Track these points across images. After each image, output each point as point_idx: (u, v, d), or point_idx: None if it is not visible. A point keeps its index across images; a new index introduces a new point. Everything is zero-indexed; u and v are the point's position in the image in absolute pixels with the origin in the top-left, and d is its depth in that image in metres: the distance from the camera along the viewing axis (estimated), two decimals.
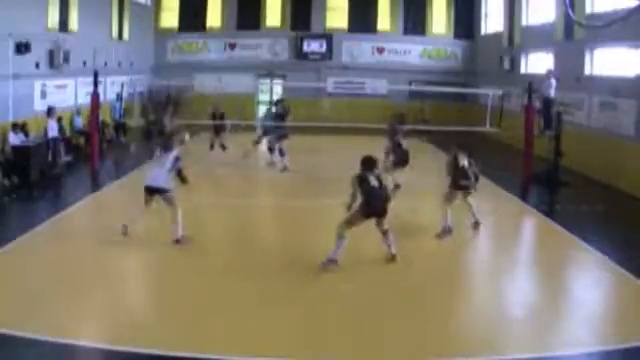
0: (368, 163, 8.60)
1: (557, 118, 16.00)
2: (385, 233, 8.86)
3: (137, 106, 20.97)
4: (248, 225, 11.69)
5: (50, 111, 15.61)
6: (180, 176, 10.53)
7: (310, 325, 7.04)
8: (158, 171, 9.77)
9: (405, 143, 13.74)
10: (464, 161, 10.27)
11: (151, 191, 9.77)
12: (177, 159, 9.94)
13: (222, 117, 17.25)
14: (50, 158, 15.14)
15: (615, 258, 9.54)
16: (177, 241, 9.64)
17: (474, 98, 25.01)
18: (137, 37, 24.73)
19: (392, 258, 8.97)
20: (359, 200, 8.61)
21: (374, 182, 8.52)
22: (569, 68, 17.96)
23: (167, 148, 9.94)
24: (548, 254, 10.22)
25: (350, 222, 8.62)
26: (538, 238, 11.74)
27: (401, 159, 13.43)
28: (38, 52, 16.36)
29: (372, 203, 8.49)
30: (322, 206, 12.67)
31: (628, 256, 9.69)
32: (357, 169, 8.76)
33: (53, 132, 15.50)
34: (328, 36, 27.57)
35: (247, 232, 11.13)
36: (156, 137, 15.08)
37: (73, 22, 18.57)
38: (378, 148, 20.41)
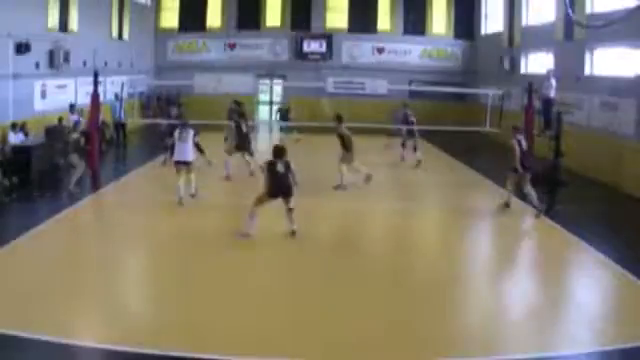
0: (277, 152, 10.04)
1: (557, 118, 15.99)
2: (289, 210, 10.12)
3: (137, 106, 21.02)
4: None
5: (72, 107, 17.25)
6: (199, 148, 12.52)
7: (309, 325, 7.04)
8: (185, 147, 12.08)
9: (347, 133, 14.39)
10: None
11: (181, 164, 12.14)
12: (196, 134, 12.30)
13: (243, 115, 16.33)
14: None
15: (615, 258, 9.55)
16: (192, 195, 12.37)
17: (474, 98, 25.02)
18: (137, 37, 24.73)
19: (292, 233, 10.15)
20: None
21: (280, 168, 9.91)
22: (569, 68, 17.96)
23: (185, 126, 12.32)
24: (548, 254, 10.23)
25: (259, 201, 10.09)
26: (538, 238, 11.73)
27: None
28: (38, 52, 16.36)
29: (276, 185, 9.97)
30: (321, 204, 12.71)
31: (628, 256, 9.69)
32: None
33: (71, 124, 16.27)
34: (328, 36, 27.56)
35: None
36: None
37: (73, 22, 18.57)
38: (378, 148, 20.56)
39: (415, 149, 17.76)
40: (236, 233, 10.13)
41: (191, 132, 12.21)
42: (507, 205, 12.71)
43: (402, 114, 18.45)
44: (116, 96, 19.36)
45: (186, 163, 12.19)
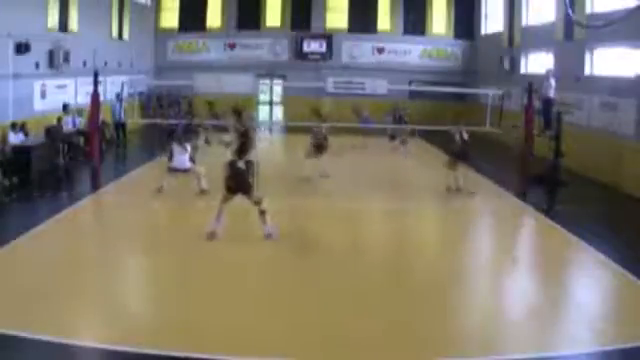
0: (239, 151, 10.01)
1: (557, 118, 16.01)
2: (262, 213, 9.98)
3: (137, 106, 21.01)
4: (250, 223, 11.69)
5: (65, 108, 17.35)
6: (192, 160, 13.35)
7: (309, 325, 7.04)
8: (182, 158, 13.00)
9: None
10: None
11: (179, 171, 13.15)
12: (194, 148, 13.49)
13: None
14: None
15: (615, 258, 9.55)
16: (202, 191, 12.92)
17: (474, 98, 25.02)
18: (137, 37, 24.74)
19: (268, 236, 10.00)
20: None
21: (240, 165, 9.92)
22: (569, 68, 17.97)
23: (185, 141, 13.27)
24: (548, 254, 10.22)
25: (224, 199, 10.08)
26: (538, 238, 11.74)
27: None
28: (38, 52, 16.37)
29: (234, 182, 9.95)
30: (317, 204, 12.71)
31: (628, 256, 9.69)
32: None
33: (67, 126, 16.89)
34: (328, 36, 27.58)
35: (249, 231, 11.12)
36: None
37: (73, 22, 18.57)
38: (377, 148, 20.57)
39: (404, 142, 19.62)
40: (206, 234, 9.96)
41: (189, 145, 13.20)
42: (458, 189, 13.91)
43: (397, 115, 20.14)
44: (117, 96, 19.39)
45: (185, 170, 13.17)
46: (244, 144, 9.98)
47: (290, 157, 17.98)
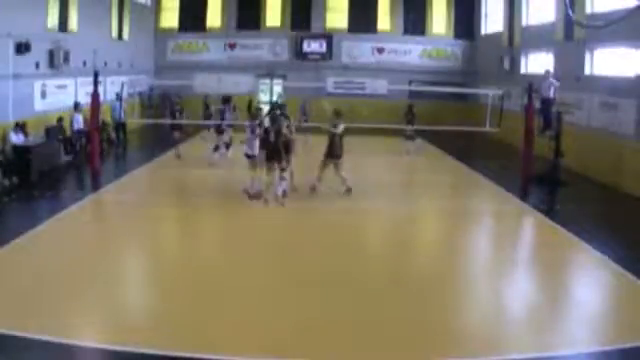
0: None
1: (557, 118, 16.01)
2: (281, 177, 12.38)
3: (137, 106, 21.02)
4: (253, 225, 11.71)
5: (77, 106, 17.54)
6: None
7: (309, 325, 7.04)
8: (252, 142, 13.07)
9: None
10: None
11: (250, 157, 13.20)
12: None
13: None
14: (78, 148, 17.13)
15: (615, 258, 9.55)
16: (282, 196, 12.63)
17: (474, 98, 25.02)
18: (137, 37, 24.73)
19: (282, 193, 12.33)
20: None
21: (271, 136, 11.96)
22: (569, 68, 17.97)
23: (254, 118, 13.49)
24: (548, 254, 10.22)
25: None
26: (538, 238, 11.74)
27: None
28: (38, 52, 16.36)
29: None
30: (318, 205, 12.72)
31: (628, 256, 9.69)
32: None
33: (79, 125, 17.27)
34: (328, 36, 27.57)
35: (250, 232, 11.14)
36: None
37: (73, 22, 18.56)
38: (378, 147, 20.58)
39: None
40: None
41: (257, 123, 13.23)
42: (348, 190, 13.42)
43: (410, 114, 19.65)
44: (117, 96, 19.40)
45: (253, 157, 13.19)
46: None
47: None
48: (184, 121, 18.02)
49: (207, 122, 18.10)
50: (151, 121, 21.90)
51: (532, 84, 15.72)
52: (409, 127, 19.29)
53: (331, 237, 10.77)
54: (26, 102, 16.06)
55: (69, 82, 18.61)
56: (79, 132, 17.30)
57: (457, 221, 12.19)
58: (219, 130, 17.07)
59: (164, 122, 19.03)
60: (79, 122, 17.40)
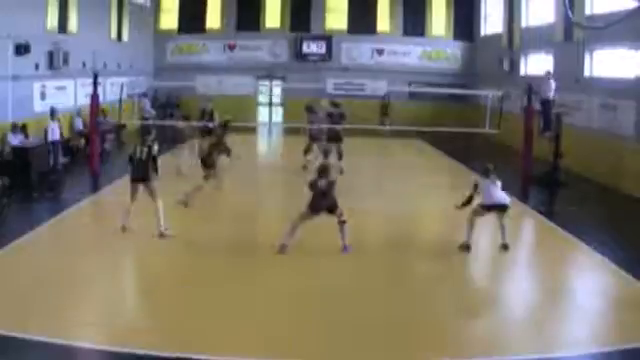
0: (320, 171, 9.77)
1: (556, 119, 16.01)
2: (341, 224, 9.76)
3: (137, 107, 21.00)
4: (254, 226, 11.70)
5: (53, 113, 15.68)
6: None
7: (307, 325, 7.04)
8: None
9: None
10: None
11: None
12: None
13: (212, 116, 15.58)
14: (51, 162, 15.18)
15: (615, 259, 9.55)
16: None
17: (474, 99, 25.02)
18: (136, 38, 24.73)
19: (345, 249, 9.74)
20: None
21: (322, 184, 9.60)
22: (569, 69, 17.97)
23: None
24: (548, 255, 10.22)
25: (302, 217, 9.73)
26: (538, 239, 11.74)
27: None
28: (37, 53, 16.35)
29: (317, 202, 9.67)
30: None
31: (628, 256, 9.70)
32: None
33: (54, 136, 15.48)
34: (328, 37, 27.59)
35: (250, 231, 11.13)
36: None
37: (72, 23, 18.56)
38: (377, 147, 20.60)
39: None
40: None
41: None
42: None
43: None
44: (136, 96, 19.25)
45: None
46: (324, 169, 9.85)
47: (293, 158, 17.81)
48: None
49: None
50: (158, 122, 21.81)
51: (531, 85, 15.72)
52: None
53: (331, 237, 10.75)
54: (26, 103, 16.04)
55: (68, 83, 18.60)
56: (54, 143, 15.38)
57: (457, 222, 12.17)
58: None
59: (174, 124, 18.47)
60: (55, 133, 15.48)
